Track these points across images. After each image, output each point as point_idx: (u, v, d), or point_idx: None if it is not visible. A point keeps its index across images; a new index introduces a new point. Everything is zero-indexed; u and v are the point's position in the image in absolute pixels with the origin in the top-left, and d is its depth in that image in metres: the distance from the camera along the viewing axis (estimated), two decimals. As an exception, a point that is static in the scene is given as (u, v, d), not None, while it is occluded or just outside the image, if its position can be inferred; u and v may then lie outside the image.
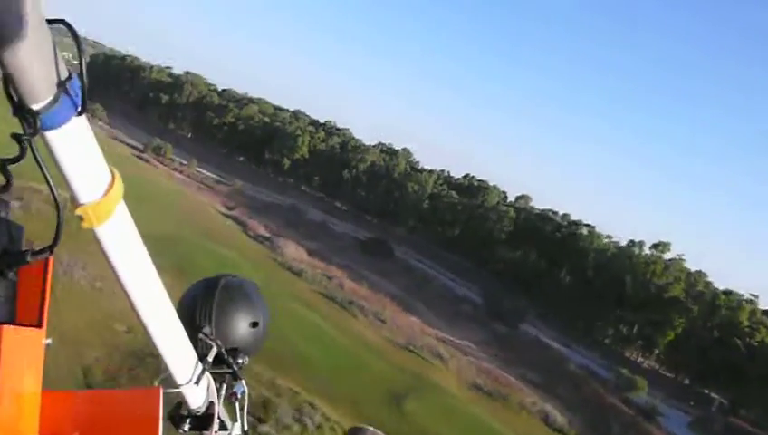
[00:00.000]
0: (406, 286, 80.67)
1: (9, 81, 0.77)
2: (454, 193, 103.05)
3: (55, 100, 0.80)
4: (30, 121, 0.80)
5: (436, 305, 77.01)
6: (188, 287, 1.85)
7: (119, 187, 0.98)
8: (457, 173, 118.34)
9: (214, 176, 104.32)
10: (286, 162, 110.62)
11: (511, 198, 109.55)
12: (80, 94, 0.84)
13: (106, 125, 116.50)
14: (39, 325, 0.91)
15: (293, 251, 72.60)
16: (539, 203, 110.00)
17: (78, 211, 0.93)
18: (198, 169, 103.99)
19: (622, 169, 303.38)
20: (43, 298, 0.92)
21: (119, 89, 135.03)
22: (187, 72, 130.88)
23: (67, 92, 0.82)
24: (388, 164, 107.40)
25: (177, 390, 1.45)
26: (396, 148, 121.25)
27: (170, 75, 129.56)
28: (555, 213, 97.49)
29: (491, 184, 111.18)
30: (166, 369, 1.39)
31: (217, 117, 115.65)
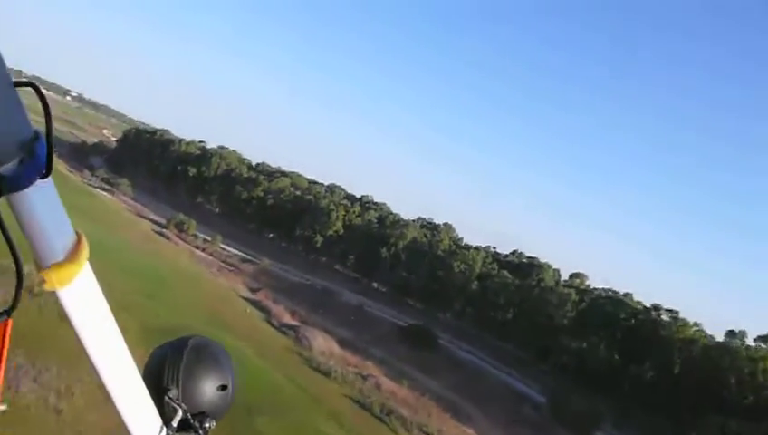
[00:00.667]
0: (454, 384, 68.46)
1: None
2: (505, 272, 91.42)
3: (20, 162, 0.79)
4: None
5: (491, 408, 64.42)
6: (155, 349, 1.78)
7: (84, 249, 0.96)
8: (504, 249, 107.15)
9: (239, 253, 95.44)
10: (318, 239, 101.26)
11: (564, 276, 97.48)
12: (44, 157, 0.83)
13: (131, 200, 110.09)
14: None
15: (322, 343, 61.72)
16: (595, 282, 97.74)
17: (41, 273, 0.92)
18: (223, 246, 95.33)
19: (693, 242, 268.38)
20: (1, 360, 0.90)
21: (149, 163, 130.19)
22: (221, 147, 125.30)
23: (32, 155, 0.81)
24: (430, 240, 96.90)
25: None
26: (436, 223, 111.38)
27: (199, 148, 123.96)
28: (625, 295, 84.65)
29: (542, 261, 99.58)
30: (126, 434, 1.35)
31: (246, 190, 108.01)
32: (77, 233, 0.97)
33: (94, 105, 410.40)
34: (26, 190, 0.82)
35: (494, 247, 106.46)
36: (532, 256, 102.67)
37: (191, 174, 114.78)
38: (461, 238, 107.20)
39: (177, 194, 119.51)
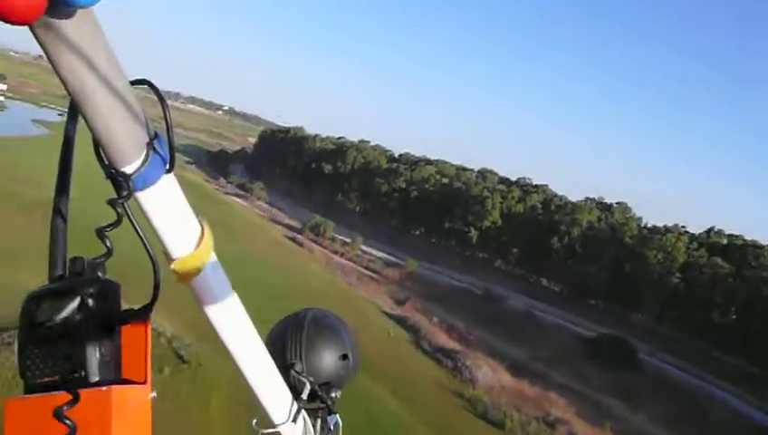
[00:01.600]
0: (671, 418, 50.50)
1: (99, 145, 0.79)
2: (718, 260, 70.27)
3: (145, 160, 0.81)
4: (123, 184, 0.81)
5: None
6: (274, 325, 1.88)
7: (209, 238, 0.99)
8: (694, 228, 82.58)
9: (382, 256, 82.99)
10: (473, 232, 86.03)
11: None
12: (167, 151, 0.86)
13: (265, 204, 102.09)
14: (144, 382, 0.94)
15: (489, 373, 46.88)
16: None
17: (172, 266, 0.96)
18: (363, 249, 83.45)
19: None
20: (146, 354, 0.95)
21: (284, 164, 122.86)
22: (361, 141, 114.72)
23: (156, 151, 0.83)
24: (612, 225, 77.87)
25: (274, 430, 1.50)
26: (608, 202, 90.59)
27: (335, 143, 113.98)
28: None
29: (761, 242, 76.30)
30: (262, 409, 1.44)
31: (386, 183, 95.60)
32: (200, 223, 0.98)
33: (244, 116, 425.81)
34: (154, 186, 0.85)
35: (684, 227, 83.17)
36: (735, 233, 79.58)
37: (327, 171, 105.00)
38: (640, 219, 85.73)
39: (313, 194, 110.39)
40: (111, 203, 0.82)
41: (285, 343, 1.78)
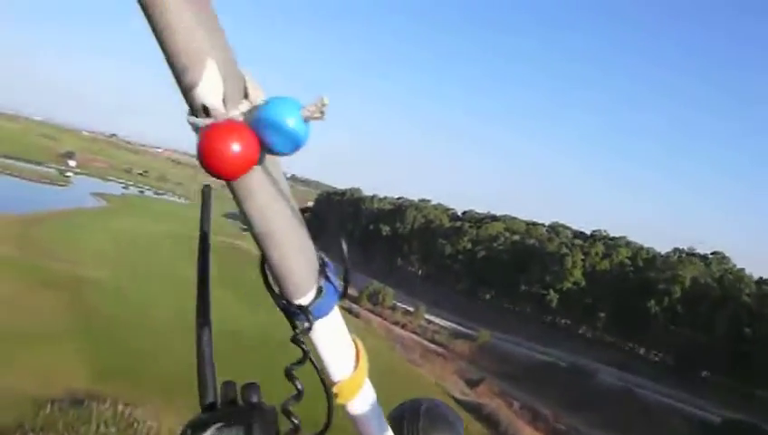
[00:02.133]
0: None
1: (276, 278, 0.77)
2: None
3: (320, 290, 0.78)
4: (302, 317, 0.79)
5: None
6: (392, 410, 1.86)
7: (364, 358, 0.96)
8: None
9: (449, 325, 73.19)
10: (552, 295, 75.27)
11: None
12: (335, 278, 0.82)
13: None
14: None
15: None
16: None
17: (335, 389, 0.93)
18: (429, 318, 73.96)
19: None
20: None
21: (340, 228, 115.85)
22: (421, 200, 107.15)
23: (328, 279, 0.80)
24: (721, 280, 65.85)
25: None
26: (702, 253, 77.89)
27: (393, 203, 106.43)
28: None
29: None
30: None
31: (450, 244, 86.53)
32: (354, 341, 0.96)
33: (305, 182, 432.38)
34: (327, 317, 0.83)
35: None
36: None
37: (385, 233, 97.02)
38: (741, 270, 72.78)
39: (371, 258, 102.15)
40: (295, 341, 0.80)
41: (402, 430, 1.73)
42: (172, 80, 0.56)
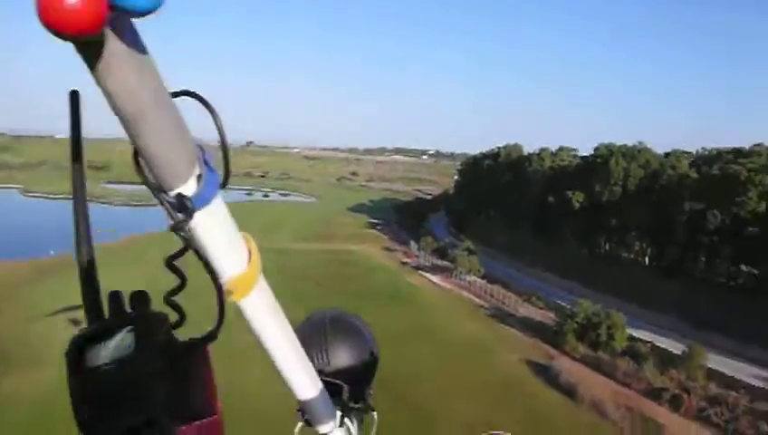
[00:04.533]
0: None
1: (150, 167, 0.71)
2: None
3: (200, 178, 0.74)
4: (181, 207, 0.74)
5: None
6: (296, 330, 1.60)
7: (256, 254, 0.94)
8: None
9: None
10: None
11: None
12: (214, 167, 0.78)
13: (481, 280, 60.66)
14: (214, 413, 0.90)
15: None
16: None
17: (226, 286, 0.90)
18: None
19: None
20: (211, 384, 0.92)
21: (500, 201, 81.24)
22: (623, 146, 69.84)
23: (210, 168, 0.76)
24: None
25: None
26: None
27: (573, 155, 69.70)
28: None
29: None
30: (310, 420, 1.46)
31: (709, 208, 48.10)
32: (245, 238, 0.93)
33: (451, 156, 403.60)
34: (208, 207, 0.77)
35: None
36: None
37: (578, 202, 60.36)
38: None
39: (556, 242, 66.26)
40: (175, 229, 0.75)
41: (309, 350, 1.59)
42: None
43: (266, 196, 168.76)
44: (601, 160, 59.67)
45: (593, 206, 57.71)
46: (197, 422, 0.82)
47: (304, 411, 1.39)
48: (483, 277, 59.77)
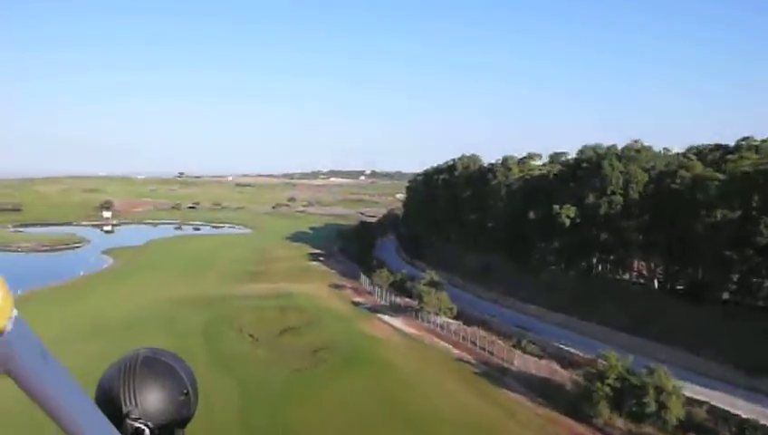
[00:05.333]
0: None
1: None
2: None
3: None
4: None
5: None
6: (104, 372, 1.66)
7: (6, 293, 0.83)
8: None
9: None
10: None
11: None
12: None
13: (454, 322, 49.72)
14: None
15: None
16: None
17: None
18: None
19: None
20: None
21: (459, 222, 70.44)
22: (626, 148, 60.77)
23: None
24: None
25: None
26: None
27: (554, 162, 59.70)
28: None
29: None
30: None
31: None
32: None
33: (387, 175, 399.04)
34: None
35: None
36: None
37: (567, 216, 49.61)
38: None
39: (546, 262, 55.68)
40: None
41: (117, 390, 1.55)
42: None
43: (197, 229, 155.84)
44: (589, 166, 49.38)
45: (585, 220, 47.29)
46: None
47: None
48: (456, 317, 48.47)
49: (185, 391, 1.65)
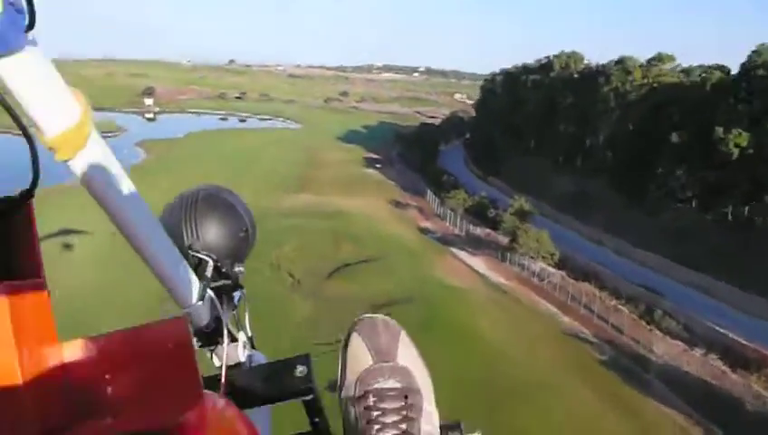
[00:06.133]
0: None
1: None
2: None
3: None
4: None
5: None
6: (166, 206, 1.69)
7: (88, 113, 0.85)
8: None
9: None
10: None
11: None
12: (24, 6, 0.67)
13: (556, 272, 38.41)
14: (38, 275, 0.82)
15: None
16: None
17: (50, 144, 0.81)
18: None
19: None
20: (34, 246, 0.82)
21: (557, 131, 57.93)
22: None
23: (11, 4, 0.65)
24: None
25: (185, 310, 1.42)
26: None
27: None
28: None
29: None
30: (168, 293, 1.36)
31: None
32: (76, 96, 0.84)
33: (443, 73, 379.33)
34: (15, 53, 0.68)
35: None
36: None
37: (737, 142, 36.70)
38: None
39: (670, 198, 43.61)
40: None
41: (179, 223, 1.58)
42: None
43: (243, 120, 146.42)
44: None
45: (760, 151, 34.45)
46: (19, 282, 0.76)
47: (164, 284, 1.28)
48: (558, 266, 37.36)
49: (244, 228, 1.67)
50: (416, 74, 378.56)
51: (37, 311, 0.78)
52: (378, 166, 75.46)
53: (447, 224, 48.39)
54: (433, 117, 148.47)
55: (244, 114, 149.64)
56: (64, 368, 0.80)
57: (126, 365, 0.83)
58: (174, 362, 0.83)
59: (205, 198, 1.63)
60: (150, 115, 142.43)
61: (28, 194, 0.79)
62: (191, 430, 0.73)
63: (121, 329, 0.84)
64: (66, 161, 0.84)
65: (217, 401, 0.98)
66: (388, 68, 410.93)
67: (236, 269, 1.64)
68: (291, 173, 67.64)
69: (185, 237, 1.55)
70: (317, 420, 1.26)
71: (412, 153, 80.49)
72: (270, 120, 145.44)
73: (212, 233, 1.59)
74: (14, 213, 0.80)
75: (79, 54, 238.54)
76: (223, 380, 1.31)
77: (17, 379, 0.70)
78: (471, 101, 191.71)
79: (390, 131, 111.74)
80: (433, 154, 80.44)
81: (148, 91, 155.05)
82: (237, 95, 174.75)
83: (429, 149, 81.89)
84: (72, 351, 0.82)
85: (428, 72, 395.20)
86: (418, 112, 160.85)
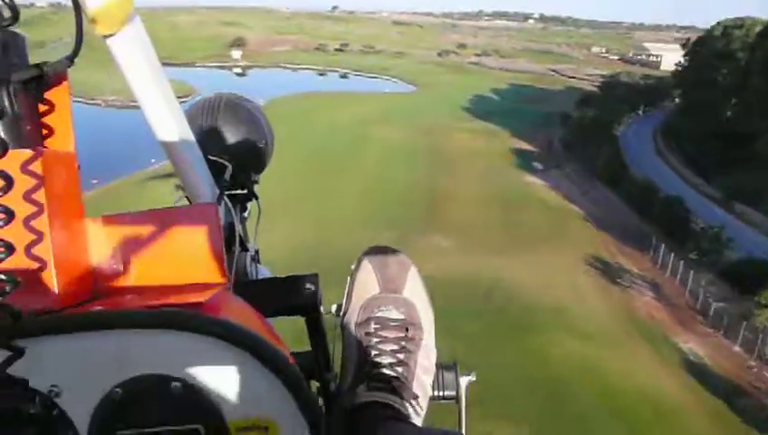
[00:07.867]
0: None
1: None
2: None
3: None
4: None
5: None
6: (187, 109, 1.62)
7: None
8: None
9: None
10: None
11: None
12: None
13: None
14: (71, 147, 0.83)
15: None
16: None
17: (92, 14, 0.82)
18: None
19: None
20: (69, 115, 0.83)
21: None
22: None
23: None
24: None
25: None
26: None
27: None
28: None
29: None
30: (185, 190, 1.38)
31: None
32: None
33: (560, 21, 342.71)
34: None
35: None
36: None
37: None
38: None
39: None
40: None
41: (198, 127, 1.55)
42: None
43: (344, 77, 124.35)
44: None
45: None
46: (54, 150, 0.77)
47: (182, 184, 1.30)
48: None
49: (263, 140, 1.67)
50: (530, 21, 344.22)
51: (68, 183, 0.78)
52: (538, 167, 49.92)
53: (728, 341, 22.86)
54: (574, 77, 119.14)
55: (345, 70, 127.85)
56: (91, 242, 0.81)
57: (152, 244, 0.84)
58: (201, 245, 0.83)
59: (228, 104, 1.61)
60: (239, 70, 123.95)
61: (69, 61, 0.80)
62: (212, 310, 0.73)
63: (151, 209, 0.84)
64: (106, 38, 0.85)
65: (235, 297, 0.99)
66: (499, 14, 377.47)
67: (253, 179, 1.64)
68: (407, 183, 43.57)
69: (204, 141, 1.49)
70: (317, 340, 1.26)
71: (583, 144, 54.10)
72: (375, 78, 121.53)
73: (232, 140, 1.58)
74: (53, 81, 0.80)
75: (171, 1, 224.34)
76: (231, 287, 1.26)
77: (47, 249, 0.71)
78: (615, 57, 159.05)
79: (529, 99, 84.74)
80: (612, 145, 53.97)
81: (238, 43, 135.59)
82: (338, 47, 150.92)
83: (602, 133, 55.27)
84: (100, 227, 0.83)
85: (543, 19, 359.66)
86: (554, 71, 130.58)
